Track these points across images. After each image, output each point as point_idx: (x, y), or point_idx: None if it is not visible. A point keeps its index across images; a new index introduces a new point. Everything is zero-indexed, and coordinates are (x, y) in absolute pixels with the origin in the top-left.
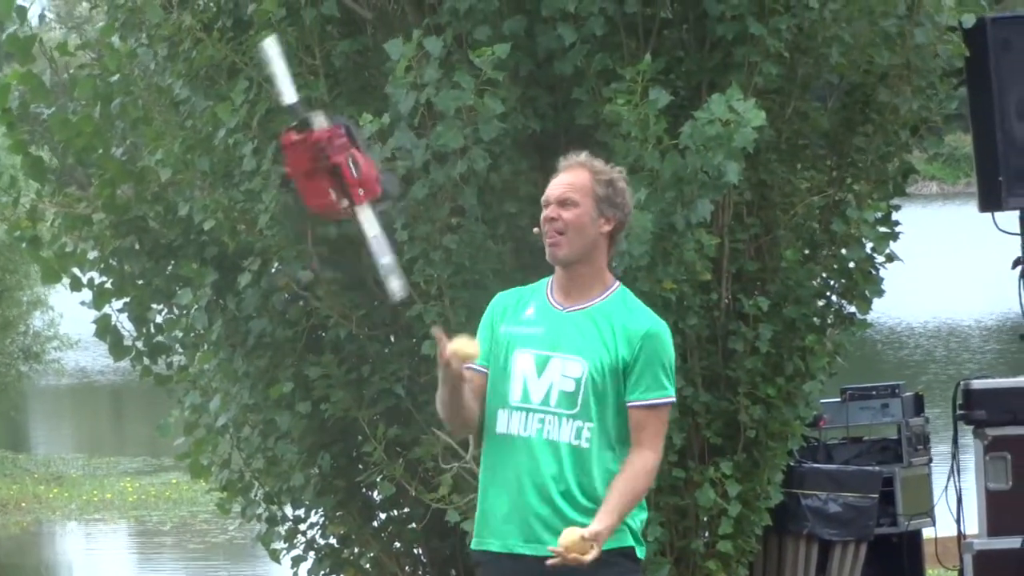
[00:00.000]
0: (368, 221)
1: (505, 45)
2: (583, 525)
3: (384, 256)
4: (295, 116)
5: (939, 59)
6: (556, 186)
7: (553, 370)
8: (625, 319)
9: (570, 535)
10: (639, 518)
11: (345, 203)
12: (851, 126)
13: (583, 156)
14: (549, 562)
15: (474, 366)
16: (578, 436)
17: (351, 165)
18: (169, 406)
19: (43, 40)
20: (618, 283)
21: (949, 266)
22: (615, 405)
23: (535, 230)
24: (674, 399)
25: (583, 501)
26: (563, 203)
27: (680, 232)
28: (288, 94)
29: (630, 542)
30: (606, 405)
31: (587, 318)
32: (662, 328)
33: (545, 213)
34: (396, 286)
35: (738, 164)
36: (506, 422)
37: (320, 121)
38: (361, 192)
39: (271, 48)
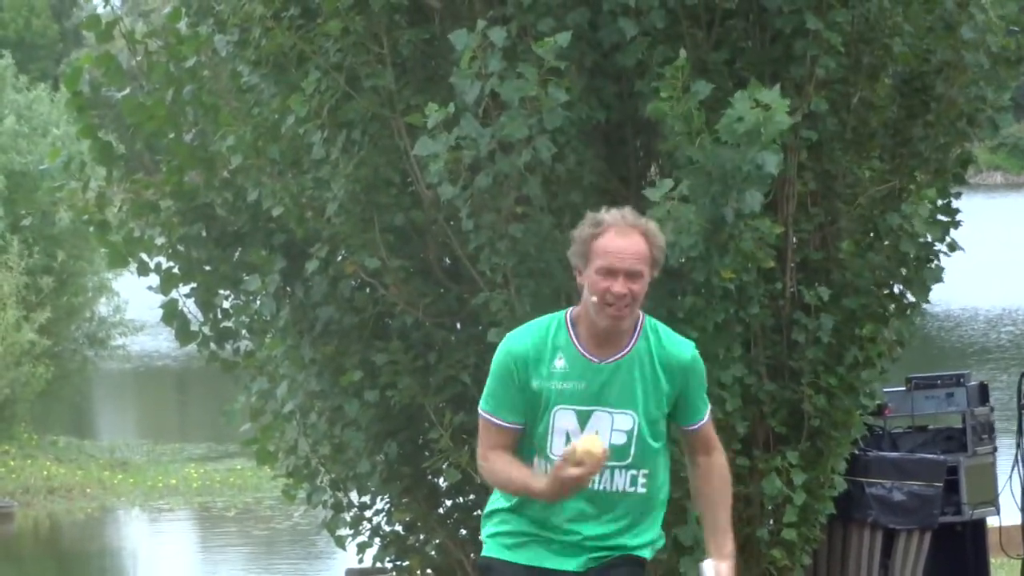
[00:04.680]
0: None
1: (566, 34)
2: (642, 551)
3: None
4: None
5: (991, 50)
6: (623, 257)
7: (597, 423)
8: (662, 355)
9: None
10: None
11: None
12: (912, 116)
13: (633, 216)
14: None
15: (509, 424)
16: (633, 483)
17: None
18: (235, 392)
19: (121, 23)
20: (643, 315)
21: (1014, 255)
22: (665, 436)
23: (592, 299)
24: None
25: (642, 535)
26: (632, 276)
27: (732, 224)
28: None
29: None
30: (657, 447)
31: (628, 365)
32: (695, 352)
33: (615, 288)
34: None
35: (776, 155)
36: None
37: None
38: None
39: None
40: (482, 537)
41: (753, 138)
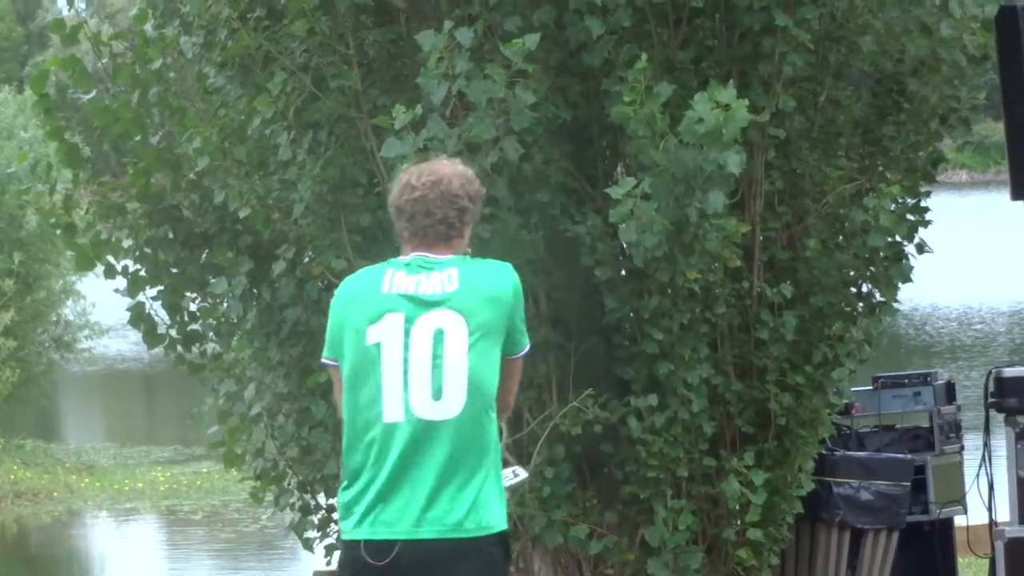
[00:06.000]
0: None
1: (535, 36)
2: None
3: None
4: None
5: (967, 49)
6: None
7: None
8: None
9: None
10: None
11: None
12: (883, 114)
13: None
14: None
15: None
16: None
17: None
18: (202, 394)
19: (86, 26)
20: None
21: (980, 254)
22: None
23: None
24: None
25: None
26: None
27: (696, 223)
28: None
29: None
30: None
31: None
32: None
33: None
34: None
35: (737, 155)
36: None
37: None
38: None
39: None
40: (501, 517)
41: (714, 138)
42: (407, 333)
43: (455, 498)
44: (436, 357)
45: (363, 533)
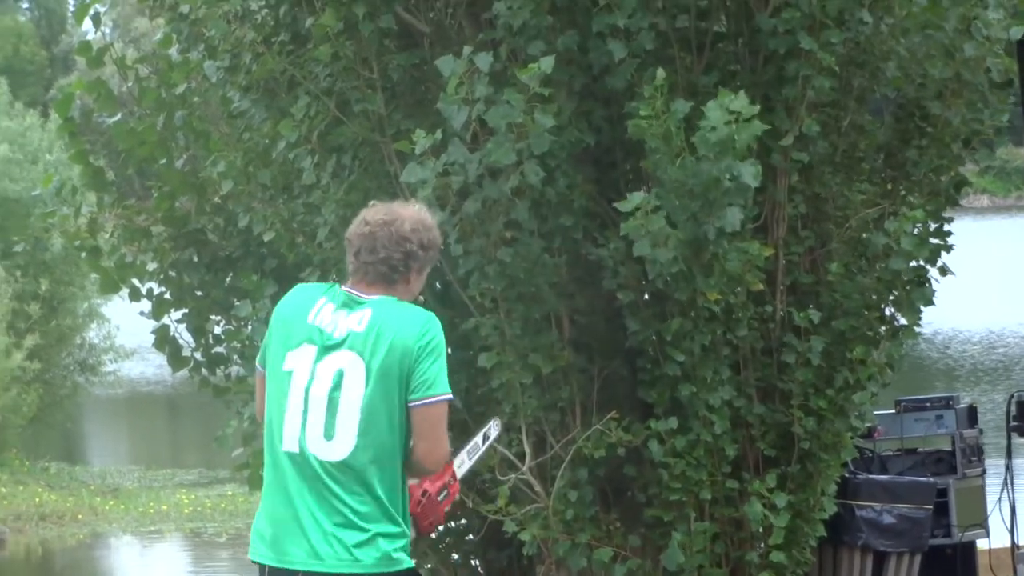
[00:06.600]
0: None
1: (550, 58)
2: None
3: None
4: None
5: (990, 72)
6: None
7: None
8: None
9: None
10: None
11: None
12: (905, 139)
13: None
14: None
15: None
16: None
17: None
18: (226, 417)
19: (112, 49)
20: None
21: (1002, 278)
22: None
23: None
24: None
25: None
26: None
27: (714, 241)
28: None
29: None
30: None
31: None
32: None
33: None
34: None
35: (752, 166)
36: None
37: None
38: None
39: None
40: (404, 553)
41: (726, 147)
42: (313, 368)
43: (350, 536)
44: (332, 400)
45: (267, 559)
